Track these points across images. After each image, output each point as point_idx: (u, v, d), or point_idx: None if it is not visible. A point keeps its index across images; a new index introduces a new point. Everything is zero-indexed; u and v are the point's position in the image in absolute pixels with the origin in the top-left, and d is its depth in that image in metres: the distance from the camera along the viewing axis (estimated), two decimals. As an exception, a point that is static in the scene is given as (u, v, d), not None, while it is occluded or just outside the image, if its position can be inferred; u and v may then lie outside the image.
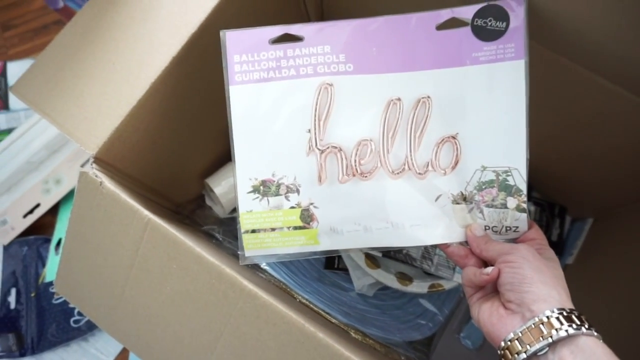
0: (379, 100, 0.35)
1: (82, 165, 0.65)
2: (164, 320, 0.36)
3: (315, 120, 0.35)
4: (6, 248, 0.64)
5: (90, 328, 0.60)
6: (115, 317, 0.39)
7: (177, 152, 0.46)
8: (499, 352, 0.30)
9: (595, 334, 0.28)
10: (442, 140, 0.35)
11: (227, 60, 0.36)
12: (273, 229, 0.36)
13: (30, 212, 0.64)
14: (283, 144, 0.36)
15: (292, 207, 0.36)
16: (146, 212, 0.34)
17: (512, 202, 0.35)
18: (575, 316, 0.28)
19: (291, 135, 0.35)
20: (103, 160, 0.37)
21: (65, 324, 0.60)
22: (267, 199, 0.36)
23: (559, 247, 0.56)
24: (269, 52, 0.35)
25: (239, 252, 0.38)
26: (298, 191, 0.36)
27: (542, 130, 0.50)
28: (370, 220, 0.35)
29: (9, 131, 0.68)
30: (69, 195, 0.65)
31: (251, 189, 0.36)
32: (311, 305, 0.45)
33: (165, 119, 0.41)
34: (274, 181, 0.36)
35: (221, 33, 0.36)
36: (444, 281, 0.49)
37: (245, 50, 0.35)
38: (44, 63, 0.40)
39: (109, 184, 0.35)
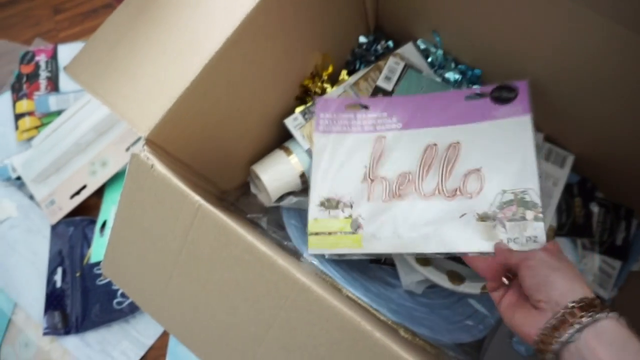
0: (419, 146, 0.45)
1: (128, 149, 0.66)
2: (211, 308, 0.35)
3: (371, 160, 0.46)
4: (53, 227, 0.66)
5: (132, 310, 0.61)
6: (161, 302, 0.38)
7: (225, 137, 0.45)
8: (534, 347, 0.33)
9: (618, 316, 0.30)
10: (469, 172, 0.43)
11: (316, 115, 0.49)
12: (330, 233, 0.45)
13: (77, 193, 0.65)
14: (346, 174, 0.46)
15: (346, 218, 0.45)
16: (197, 198, 0.33)
17: (530, 214, 0.40)
18: (597, 302, 0.31)
19: (352, 169, 0.46)
20: (154, 143, 0.37)
21: (108, 305, 0.61)
22: (329, 211, 0.46)
23: (623, 251, 0.52)
24: (344, 114, 0.48)
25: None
26: (351, 206, 0.45)
27: (611, 127, 0.47)
28: (401, 230, 0.43)
29: (58, 113, 0.69)
30: (114, 177, 0.66)
31: (319, 203, 0.46)
32: (359, 301, 0.43)
33: (216, 103, 0.40)
34: (335, 199, 0.46)
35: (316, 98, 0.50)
36: (497, 282, 0.46)
37: (329, 110, 0.49)
38: (96, 44, 0.40)
39: (160, 167, 0.34)
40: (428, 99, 0.47)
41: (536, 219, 0.39)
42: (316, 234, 0.45)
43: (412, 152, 0.45)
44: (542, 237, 0.38)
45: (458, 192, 0.42)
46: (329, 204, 0.45)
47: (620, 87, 0.42)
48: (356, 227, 0.44)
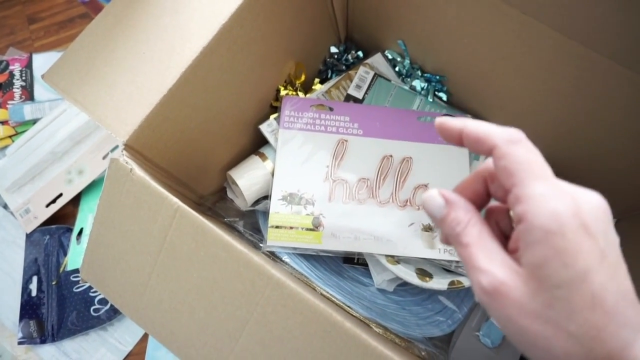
0: (377, 155, 0.51)
1: (105, 157, 0.66)
2: (190, 307, 0.36)
3: (332, 160, 0.50)
4: (29, 236, 0.65)
5: (109, 317, 0.61)
6: (140, 304, 0.39)
7: (203, 143, 0.46)
8: None
9: None
10: (418, 186, 0.50)
11: (281, 111, 0.51)
12: (291, 228, 0.47)
13: (53, 201, 0.65)
14: (308, 172, 0.49)
15: (307, 215, 0.48)
16: (175, 199, 0.34)
17: None
18: None
19: (315, 167, 0.49)
20: (132, 148, 0.38)
21: (85, 313, 0.61)
22: (291, 206, 0.48)
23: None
24: (309, 113, 0.51)
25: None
26: (313, 204, 0.48)
27: (558, 124, 0.50)
28: (359, 232, 0.47)
29: (33, 122, 0.69)
30: (91, 185, 0.66)
31: (281, 197, 0.48)
32: (332, 298, 0.45)
33: (193, 109, 0.41)
34: (298, 195, 0.49)
35: (283, 97, 0.52)
36: (464, 278, 0.48)
37: (294, 108, 0.51)
38: (75, 52, 0.41)
39: (139, 171, 0.35)
40: (387, 112, 0.53)
41: None
42: (277, 227, 0.47)
43: (371, 159, 0.50)
44: None
45: (408, 203, 0.49)
46: (291, 199, 0.48)
47: (574, 95, 0.45)
48: (317, 224, 0.47)
